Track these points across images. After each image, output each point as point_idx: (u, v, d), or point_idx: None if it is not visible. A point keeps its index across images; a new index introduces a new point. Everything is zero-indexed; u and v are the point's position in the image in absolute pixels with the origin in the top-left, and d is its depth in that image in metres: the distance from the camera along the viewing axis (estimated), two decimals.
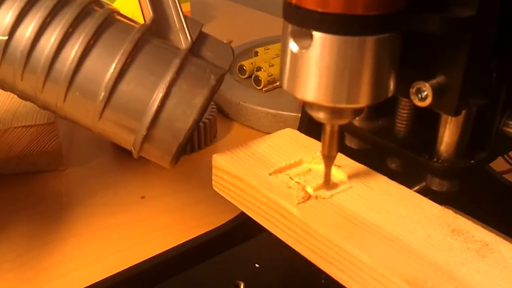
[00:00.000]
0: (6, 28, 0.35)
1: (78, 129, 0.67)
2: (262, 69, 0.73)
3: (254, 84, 0.72)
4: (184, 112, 0.36)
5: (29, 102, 0.59)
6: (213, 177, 0.39)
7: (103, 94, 0.35)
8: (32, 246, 0.49)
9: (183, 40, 0.38)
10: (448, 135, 0.35)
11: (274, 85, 0.72)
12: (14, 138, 0.56)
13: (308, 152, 0.38)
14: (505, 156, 0.50)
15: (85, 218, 0.53)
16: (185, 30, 0.38)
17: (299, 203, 0.33)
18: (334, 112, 0.32)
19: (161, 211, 0.54)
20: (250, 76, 0.74)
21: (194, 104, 0.36)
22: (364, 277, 0.29)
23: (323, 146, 0.34)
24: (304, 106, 0.33)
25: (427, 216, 0.32)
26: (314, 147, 0.39)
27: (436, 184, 0.36)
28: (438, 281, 0.28)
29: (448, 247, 0.30)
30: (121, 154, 0.63)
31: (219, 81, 0.37)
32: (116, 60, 0.35)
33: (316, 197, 0.34)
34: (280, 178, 0.36)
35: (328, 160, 0.35)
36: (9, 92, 0.60)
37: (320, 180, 0.35)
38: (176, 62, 0.36)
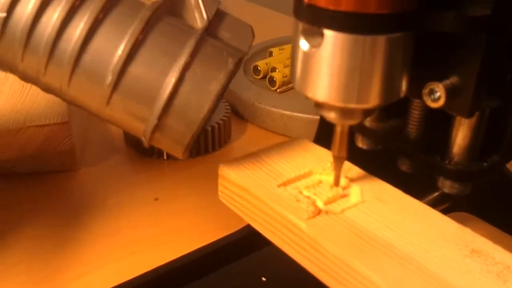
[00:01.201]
0: (4, 4, 0.32)
1: (92, 129, 0.66)
2: (277, 70, 0.72)
3: (268, 85, 0.71)
4: (198, 100, 0.33)
5: (42, 101, 0.59)
6: (219, 187, 0.38)
7: (110, 78, 0.33)
8: (43, 248, 0.49)
9: (199, 18, 0.35)
10: (460, 137, 0.34)
11: (289, 86, 0.71)
12: (27, 137, 0.55)
13: (318, 163, 0.37)
14: None
15: (98, 219, 0.52)
16: (200, 8, 0.35)
17: (308, 218, 0.32)
18: (345, 112, 0.31)
19: (175, 214, 0.53)
20: (264, 77, 0.73)
21: (209, 91, 0.33)
22: None
23: (333, 147, 0.33)
24: (315, 106, 0.32)
25: (443, 234, 0.31)
26: (325, 157, 0.38)
27: (448, 186, 0.36)
28: None
29: (466, 269, 0.28)
30: (135, 154, 0.62)
31: (238, 65, 0.35)
32: (125, 40, 0.33)
33: (327, 212, 0.33)
34: (289, 190, 0.35)
35: (338, 161, 0.34)
36: (22, 91, 0.60)
37: (331, 193, 0.34)
38: (191, 43, 0.33)
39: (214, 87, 0.33)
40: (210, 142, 0.61)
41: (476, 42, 0.29)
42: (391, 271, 0.28)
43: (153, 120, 0.33)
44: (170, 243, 0.49)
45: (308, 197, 0.34)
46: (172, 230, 0.51)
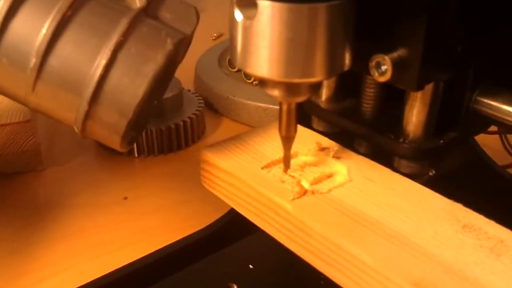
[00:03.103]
0: None
1: (60, 127, 0.63)
2: None
3: (244, 78, 0.69)
4: (132, 83, 0.30)
5: (4, 100, 0.56)
6: (202, 172, 0.37)
7: (34, 60, 0.30)
8: (5, 250, 0.46)
9: None
10: (414, 113, 0.33)
11: None
12: None
13: (304, 144, 0.36)
14: (509, 148, 0.47)
15: (63, 220, 0.49)
16: None
17: (294, 198, 0.31)
18: (290, 88, 0.29)
19: (145, 213, 0.50)
20: (240, 70, 0.70)
21: (144, 73, 0.30)
22: (366, 280, 0.27)
23: (280, 127, 0.32)
24: (259, 84, 0.31)
25: (434, 210, 0.30)
26: (310, 138, 0.36)
27: (404, 166, 0.34)
28: (449, 282, 0.25)
29: (459, 245, 0.27)
30: (105, 152, 0.60)
31: (179, 46, 0.32)
32: (50, 18, 0.30)
33: (313, 192, 0.31)
34: (273, 172, 0.34)
35: (287, 142, 0.33)
36: None
37: (317, 174, 0.33)
38: (123, 22, 0.30)
39: (151, 69, 0.30)
40: (182, 137, 0.59)
41: (421, 11, 0.28)
42: (380, 249, 0.27)
43: (83, 108, 0.30)
44: (138, 243, 0.46)
45: (293, 177, 0.33)
46: (141, 230, 0.48)
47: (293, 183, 0.32)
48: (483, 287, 0.25)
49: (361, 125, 0.36)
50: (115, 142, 0.32)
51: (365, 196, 0.31)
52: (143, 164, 0.58)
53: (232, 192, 0.34)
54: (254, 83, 0.68)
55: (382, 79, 0.30)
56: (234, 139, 0.37)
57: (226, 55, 0.74)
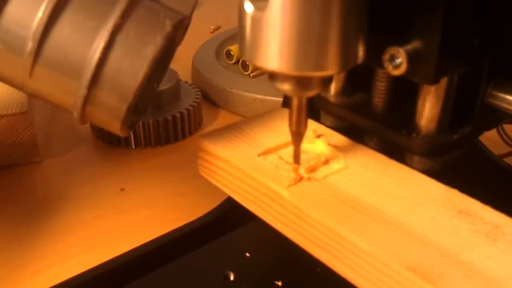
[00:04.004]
0: None
1: (58, 119, 0.64)
2: None
3: (241, 69, 0.69)
4: (132, 66, 0.30)
5: (1, 92, 0.56)
6: (199, 161, 0.37)
7: (31, 45, 0.29)
8: (4, 243, 0.46)
9: None
10: (428, 107, 0.32)
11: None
12: None
13: None
14: (506, 138, 0.47)
15: (60, 212, 0.49)
16: None
17: (290, 185, 0.31)
18: (301, 82, 0.29)
19: (142, 204, 0.50)
20: (237, 62, 0.71)
21: (144, 55, 0.30)
22: (362, 265, 0.27)
23: (290, 122, 0.31)
24: (268, 78, 0.30)
25: (430, 197, 0.30)
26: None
27: (416, 162, 0.33)
28: (445, 267, 0.25)
29: (454, 230, 0.27)
30: (102, 144, 0.60)
31: (178, 28, 0.31)
32: (46, 1, 0.29)
33: (309, 179, 0.31)
34: (269, 159, 0.34)
35: (297, 137, 0.32)
36: None
37: (313, 161, 0.33)
38: (121, 4, 0.30)
39: (150, 51, 0.30)
40: (179, 129, 0.59)
41: (437, 2, 0.27)
42: (376, 235, 0.27)
43: (82, 92, 0.30)
44: (136, 234, 0.46)
45: (289, 164, 0.33)
46: (139, 221, 0.48)
47: (289, 169, 0.32)
48: (479, 271, 0.25)
49: (371, 120, 0.35)
50: (115, 127, 0.32)
51: (361, 182, 0.31)
52: (140, 155, 0.58)
53: (229, 179, 0.34)
54: (251, 75, 0.68)
55: (397, 72, 0.29)
56: (231, 127, 0.37)
57: (223, 48, 0.73)
